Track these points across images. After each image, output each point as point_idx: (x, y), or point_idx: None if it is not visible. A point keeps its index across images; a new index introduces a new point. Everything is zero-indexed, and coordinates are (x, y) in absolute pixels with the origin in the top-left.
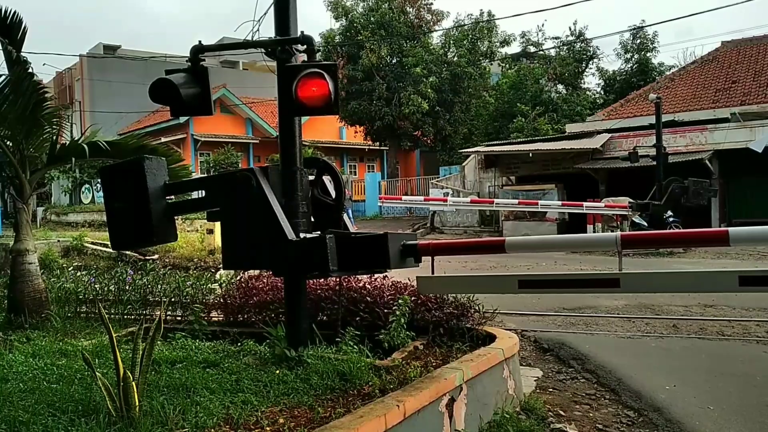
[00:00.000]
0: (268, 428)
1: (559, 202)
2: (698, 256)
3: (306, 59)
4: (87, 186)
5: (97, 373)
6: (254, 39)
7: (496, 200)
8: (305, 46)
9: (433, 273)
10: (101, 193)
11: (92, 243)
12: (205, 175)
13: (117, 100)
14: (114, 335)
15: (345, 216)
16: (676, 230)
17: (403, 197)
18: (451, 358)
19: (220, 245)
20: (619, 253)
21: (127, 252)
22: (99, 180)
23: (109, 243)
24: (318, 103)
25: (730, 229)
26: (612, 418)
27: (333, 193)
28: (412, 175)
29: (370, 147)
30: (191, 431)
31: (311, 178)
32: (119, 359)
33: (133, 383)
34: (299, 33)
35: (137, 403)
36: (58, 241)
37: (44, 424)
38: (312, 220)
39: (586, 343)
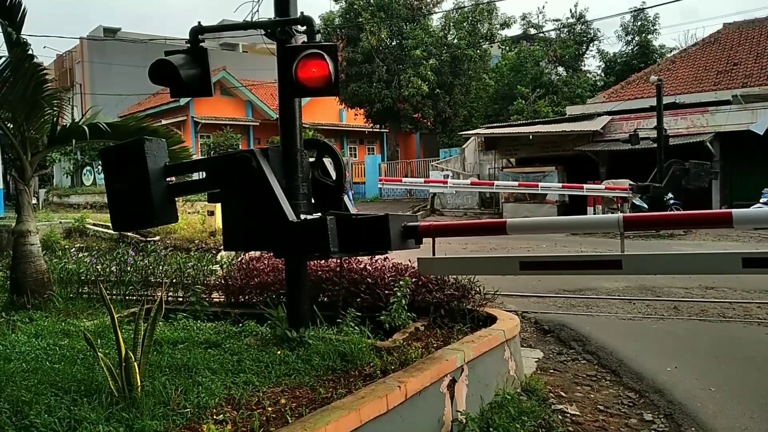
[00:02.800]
0: (269, 408)
1: (560, 185)
2: (699, 239)
3: (306, 40)
4: (88, 168)
5: (99, 353)
6: (254, 20)
7: (496, 182)
8: (305, 27)
9: (434, 255)
10: (102, 175)
11: (94, 224)
12: (206, 156)
13: (117, 83)
14: (116, 316)
15: (345, 198)
16: (679, 212)
17: (404, 179)
18: (452, 339)
19: (220, 227)
20: (621, 234)
21: (129, 233)
22: (100, 162)
23: (110, 224)
24: (318, 84)
25: (733, 210)
26: (613, 399)
27: (333, 175)
28: (412, 158)
29: (370, 129)
30: (193, 411)
31: (311, 159)
32: (121, 339)
33: (135, 363)
34: (299, 14)
35: (139, 383)
36: (60, 222)
37: (47, 404)
38: (312, 201)
39: (586, 325)
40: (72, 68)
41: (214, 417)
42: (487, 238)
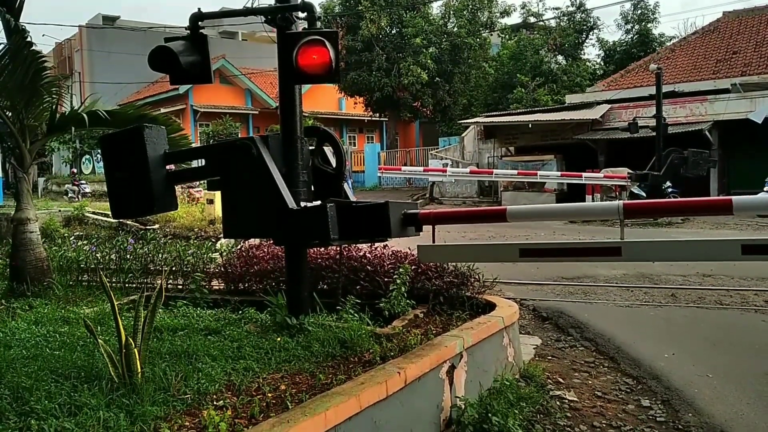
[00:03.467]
0: (269, 394)
1: (558, 173)
2: (696, 227)
3: (306, 27)
4: (87, 157)
5: (99, 339)
6: (254, 6)
7: (495, 171)
8: (306, 14)
9: (433, 242)
10: (101, 164)
11: (93, 213)
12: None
13: (116, 71)
14: (115, 303)
15: (346, 185)
16: (679, 199)
17: (403, 168)
18: (451, 326)
19: (220, 215)
20: (621, 221)
21: (128, 222)
22: (99, 150)
23: (109, 213)
24: (319, 71)
25: (733, 197)
26: (611, 385)
27: (333, 163)
28: (412, 146)
29: (370, 118)
30: (193, 397)
31: (311, 147)
32: (121, 326)
33: (135, 350)
34: (299, 0)
35: (139, 369)
36: (59, 210)
37: (47, 390)
38: (312, 189)
39: (584, 312)
40: (71, 56)
41: (215, 403)
42: (485, 227)
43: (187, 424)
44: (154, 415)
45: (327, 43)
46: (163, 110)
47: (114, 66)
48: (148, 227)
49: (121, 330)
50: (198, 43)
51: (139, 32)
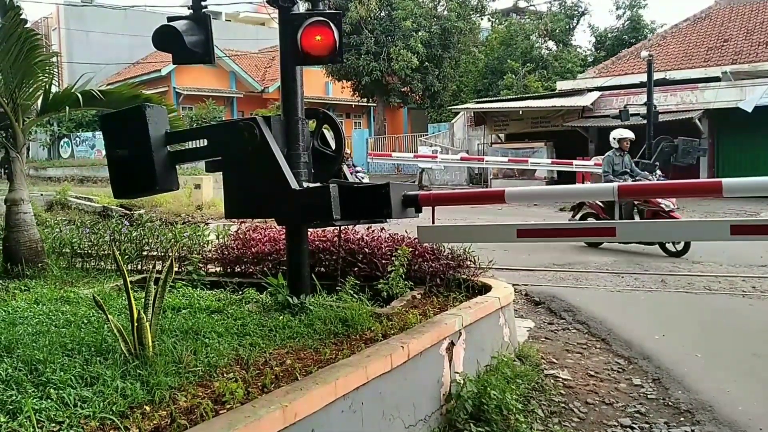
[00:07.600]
0: (277, 368)
1: (549, 160)
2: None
3: (310, 7)
4: (66, 140)
5: (109, 315)
6: None
7: (486, 158)
8: None
9: (433, 223)
10: (80, 148)
11: (76, 197)
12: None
13: (95, 52)
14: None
15: (345, 167)
16: (671, 181)
17: (393, 154)
18: (449, 306)
19: (208, 200)
20: (616, 203)
21: (113, 206)
22: (79, 134)
23: (93, 197)
24: (323, 52)
25: (723, 179)
26: (603, 365)
27: (333, 145)
28: (400, 133)
29: (357, 103)
30: (204, 369)
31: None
32: (133, 300)
33: (147, 324)
34: None
35: (151, 343)
36: (41, 194)
37: (61, 363)
38: (312, 171)
39: (576, 297)
40: (47, 35)
41: (225, 375)
42: (477, 215)
43: (200, 393)
44: (169, 386)
45: (332, 24)
46: (145, 92)
47: (93, 46)
48: (133, 212)
49: (132, 304)
50: (201, 22)
51: (119, 11)
